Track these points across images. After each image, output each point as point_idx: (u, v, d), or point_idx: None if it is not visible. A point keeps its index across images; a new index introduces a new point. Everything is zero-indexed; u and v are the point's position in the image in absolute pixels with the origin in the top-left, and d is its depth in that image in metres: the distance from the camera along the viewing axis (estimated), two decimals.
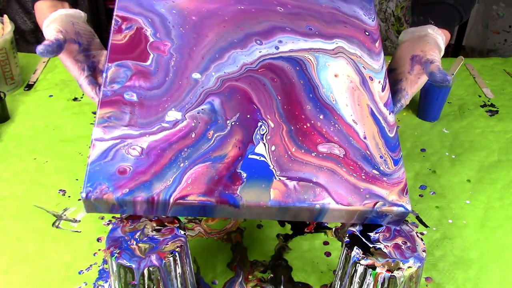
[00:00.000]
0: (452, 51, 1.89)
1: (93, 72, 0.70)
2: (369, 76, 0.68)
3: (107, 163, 0.55)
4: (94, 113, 1.02)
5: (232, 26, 0.67)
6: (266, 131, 0.60)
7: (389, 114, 0.66)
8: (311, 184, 0.58)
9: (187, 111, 0.59)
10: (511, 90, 1.11)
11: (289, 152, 0.59)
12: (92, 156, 0.55)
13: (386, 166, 0.62)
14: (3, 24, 1.05)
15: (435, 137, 0.98)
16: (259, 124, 0.60)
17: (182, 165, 0.56)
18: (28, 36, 2.07)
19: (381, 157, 0.62)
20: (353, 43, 0.70)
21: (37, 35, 2.08)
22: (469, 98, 1.09)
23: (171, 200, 0.55)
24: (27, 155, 0.91)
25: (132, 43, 0.64)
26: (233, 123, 0.59)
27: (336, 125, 0.63)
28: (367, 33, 0.71)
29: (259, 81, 0.63)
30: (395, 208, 0.59)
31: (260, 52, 0.66)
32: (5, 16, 1.07)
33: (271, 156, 0.58)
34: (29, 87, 1.09)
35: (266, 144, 0.59)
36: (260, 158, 0.58)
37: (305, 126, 0.62)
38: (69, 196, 0.83)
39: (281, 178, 0.57)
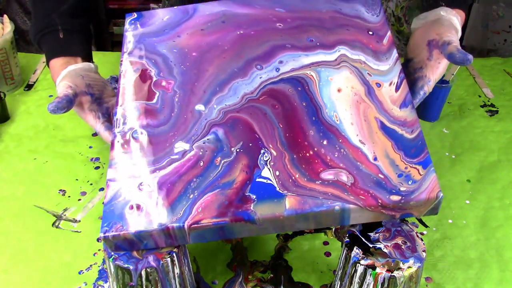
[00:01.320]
0: None
1: (108, 118, 0.73)
2: (376, 83, 0.65)
3: (120, 202, 0.57)
4: None
5: (232, 55, 0.68)
6: (269, 158, 0.59)
7: (409, 110, 0.62)
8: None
9: (194, 142, 0.61)
10: (511, 90, 1.11)
11: (293, 178, 0.58)
12: (107, 197, 0.58)
13: (410, 181, 0.58)
14: (3, 24, 1.05)
15: (435, 137, 0.98)
16: (262, 151, 0.60)
17: (191, 196, 0.57)
18: (28, 36, 2.07)
19: (399, 175, 0.58)
20: (356, 48, 0.68)
21: None
22: (469, 98, 1.09)
23: (185, 226, 0.55)
24: (27, 155, 0.91)
25: (138, 84, 0.67)
26: (237, 150, 0.60)
27: (342, 150, 0.60)
28: (370, 33, 0.69)
29: (260, 110, 0.63)
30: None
31: (260, 78, 0.65)
32: (5, 16, 1.07)
33: (277, 180, 0.58)
34: (29, 87, 1.09)
35: (271, 169, 0.58)
36: (267, 181, 0.58)
37: (307, 154, 0.60)
38: (69, 196, 0.83)
39: (292, 194, 0.57)
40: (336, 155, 0.60)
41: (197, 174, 0.58)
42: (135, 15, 0.75)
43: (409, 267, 0.57)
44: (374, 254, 0.58)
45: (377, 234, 0.61)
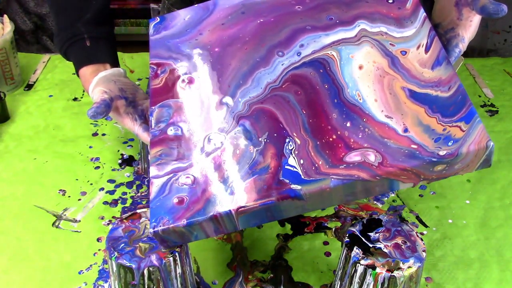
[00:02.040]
0: None
1: (145, 119, 0.74)
2: (401, 51, 0.64)
3: (165, 197, 0.58)
4: None
5: (254, 45, 0.68)
6: (293, 147, 0.59)
7: (444, 68, 0.61)
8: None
9: (227, 133, 0.62)
10: (511, 90, 1.11)
11: (316, 165, 0.58)
12: (152, 193, 0.59)
13: (451, 142, 0.56)
14: (3, 24, 1.05)
15: None
16: (287, 140, 0.60)
17: (232, 183, 0.58)
18: (28, 36, 2.07)
19: (437, 139, 0.57)
20: (376, 20, 0.67)
21: (37, 35, 2.08)
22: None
23: (233, 211, 0.56)
24: (27, 155, 0.91)
25: (168, 83, 0.68)
26: (265, 140, 0.61)
27: (366, 130, 0.60)
28: (390, 1, 0.68)
29: (283, 98, 0.63)
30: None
31: (282, 65, 0.66)
32: (5, 16, 1.07)
33: (301, 168, 0.58)
34: (29, 87, 1.09)
35: (295, 158, 0.59)
36: (293, 169, 0.59)
37: (331, 139, 0.60)
38: (69, 196, 0.83)
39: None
40: (360, 136, 0.59)
41: (234, 162, 0.60)
42: (158, 19, 0.76)
43: (409, 267, 0.57)
44: (374, 254, 0.58)
45: (377, 234, 0.61)
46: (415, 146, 0.57)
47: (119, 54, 1.17)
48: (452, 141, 0.57)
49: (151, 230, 0.56)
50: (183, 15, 0.75)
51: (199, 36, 0.71)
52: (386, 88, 0.62)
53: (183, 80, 0.68)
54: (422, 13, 0.67)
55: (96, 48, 0.77)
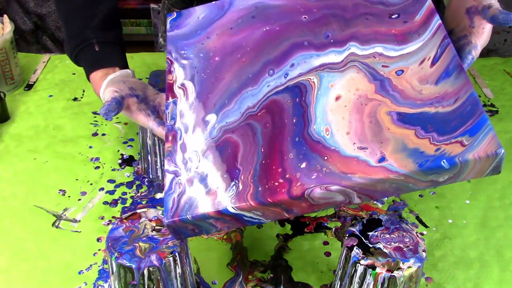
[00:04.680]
0: None
1: (158, 115, 0.75)
2: (396, 71, 0.61)
3: (178, 190, 0.60)
4: (94, 113, 1.02)
5: (251, 58, 0.68)
6: (233, 194, 0.58)
7: (452, 79, 0.59)
8: None
9: (198, 159, 0.63)
10: (511, 90, 1.11)
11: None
12: (166, 186, 0.60)
13: (444, 161, 0.54)
14: (3, 24, 1.05)
15: None
16: (232, 184, 0.59)
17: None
18: (28, 36, 2.07)
19: (420, 164, 0.54)
20: (370, 41, 0.65)
21: (37, 35, 2.08)
22: None
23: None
24: (27, 155, 0.91)
25: (175, 83, 0.70)
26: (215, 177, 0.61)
27: (324, 169, 0.57)
28: (395, 16, 0.66)
29: (251, 130, 0.62)
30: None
31: (268, 86, 0.65)
32: (5, 16, 1.07)
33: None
34: (29, 87, 1.09)
35: (233, 207, 0.58)
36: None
37: (276, 183, 0.58)
38: (69, 196, 0.83)
39: None
40: (314, 177, 0.57)
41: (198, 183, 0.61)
42: (174, 14, 0.77)
43: (409, 267, 0.57)
44: (374, 254, 0.58)
45: (377, 233, 0.61)
46: (392, 176, 0.55)
47: None
48: (445, 160, 0.54)
49: (165, 221, 0.57)
50: (198, 13, 0.75)
51: (206, 40, 0.72)
52: (366, 117, 0.59)
53: (179, 87, 0.69)
54: (435, 23, 0.64)
55: (105, 52, 0.79)
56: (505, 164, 0.90)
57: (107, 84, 0.75)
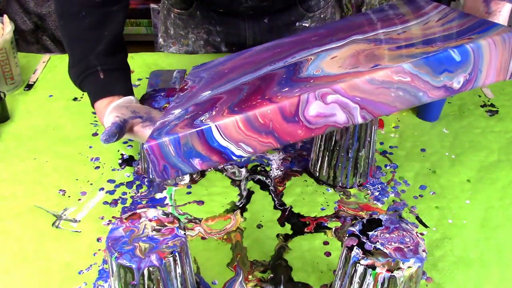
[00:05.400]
0: None
1: None
2: (398, 32, 0.60)
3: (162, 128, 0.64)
4: (94, 113, 1.02)
5: (257, 63, 0.71)
6: (205, 118, 0.59)
7: (462, 15, 0.57)
8: None
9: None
10: (511, 90, 1.11)
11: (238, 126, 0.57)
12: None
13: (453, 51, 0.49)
14: (3, 24, 1.05)
15: (435, 137, 0.98)
16: (205, 113, 0.61)
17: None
18: (28, 36, 2.07)
19: (429, 54, 0.50)
20: (375, 29, 0.66)
21: (37, 35, 2.08)
22: (469, 98, 1.09)
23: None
24: (27, 155, 0.91)
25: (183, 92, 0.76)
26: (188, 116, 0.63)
27: (311, 81, 0.54)
28: (400, 16, 0.69)
29: (239, 89, 0.63)
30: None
31: (267, 69, 0.66)
32: (5, 16, 1.07)
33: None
34: (29, 87, 1.09)
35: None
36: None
37: (255, 103, 0.56)
38: (69, 196, 0.83)
39: None
40: (295, 91, 0.54)
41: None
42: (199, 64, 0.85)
43: (409, 267, 0.57)
44: (374, 254, 0.58)
45: (377, 233, 0.61)
46: (396, 77, 0.50)
47: None
48: (455, 50, 0.49)
49: (145, 146, 0.58)
50: (220, 59, 0.81)
51: (221, 66, 0.76)
52: (363, 56, 0.57)
53: (185, 88, 0.74)
54: (442, 7, 0.63)
55: (109, 80, 0.78)
56: (505, 164, 0.91)
57: (110, 111, 0.75)
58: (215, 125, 0.55)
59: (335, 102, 0.51)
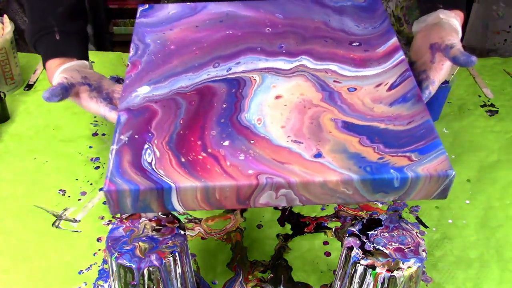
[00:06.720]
0: None
1: (110, 101, 0.72)
2: (348, 88, 0.60)
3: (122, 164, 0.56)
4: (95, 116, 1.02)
5: (204, 52, 0.68)
6: (152, 159, 0.54)
7: (409, 105, 0.57)
8: None
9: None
10: (511, 90, 1.11)
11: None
12: (111, 164, 0.55)
13: (388, 168, 0.51)
14: (3, 24, 1.05)
15: None
16: (145, 147, 0.55)
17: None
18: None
19: (364, 167, 0.50)
20: (325, 59, 0.65)
21: None
22: (469, 98, 1.09)
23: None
24: (27, 155, 0.91)
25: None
26: (125, 140, 0.56)
27: (251, 151, 0.52)
28: (356, 44, 0.68)
29: (175, 103, 0.60)
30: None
31: (207, 75, 0.64)
32: (5, 16, 1.07)
33: None
34: (29, 87, 1.09)
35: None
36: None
37: (200, 157, 0.53)
38: (69, 196, 0.83)
39: None
40: (242, 158, 0.52)
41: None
42: (146, 6, 0.78)
43: (409, 267, 0.57)
44: (374, 254, 0.58)
45: (376, 232, 0.61)
46: (341, 188, 0.51)
47: (119, 54, 1.17)
48: (393, 170, 0.51)
49: (104, 189, 0.51)
50: (170, 9, 0.76)
51: (168, 31, 0.73)
52: (308, 118, 0.57)
53: (127, 64, 0.68)
54: (398, 57, 0.65)
55: (65, 42, 0.77)
56: (505, 164, 0.91)
57: (60, 72, 0.72)
58: (175, 188, 0.51)
59: (284, 196, 0.51)
